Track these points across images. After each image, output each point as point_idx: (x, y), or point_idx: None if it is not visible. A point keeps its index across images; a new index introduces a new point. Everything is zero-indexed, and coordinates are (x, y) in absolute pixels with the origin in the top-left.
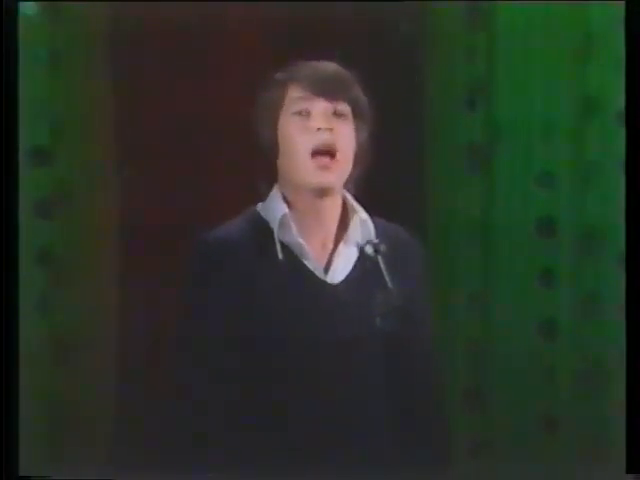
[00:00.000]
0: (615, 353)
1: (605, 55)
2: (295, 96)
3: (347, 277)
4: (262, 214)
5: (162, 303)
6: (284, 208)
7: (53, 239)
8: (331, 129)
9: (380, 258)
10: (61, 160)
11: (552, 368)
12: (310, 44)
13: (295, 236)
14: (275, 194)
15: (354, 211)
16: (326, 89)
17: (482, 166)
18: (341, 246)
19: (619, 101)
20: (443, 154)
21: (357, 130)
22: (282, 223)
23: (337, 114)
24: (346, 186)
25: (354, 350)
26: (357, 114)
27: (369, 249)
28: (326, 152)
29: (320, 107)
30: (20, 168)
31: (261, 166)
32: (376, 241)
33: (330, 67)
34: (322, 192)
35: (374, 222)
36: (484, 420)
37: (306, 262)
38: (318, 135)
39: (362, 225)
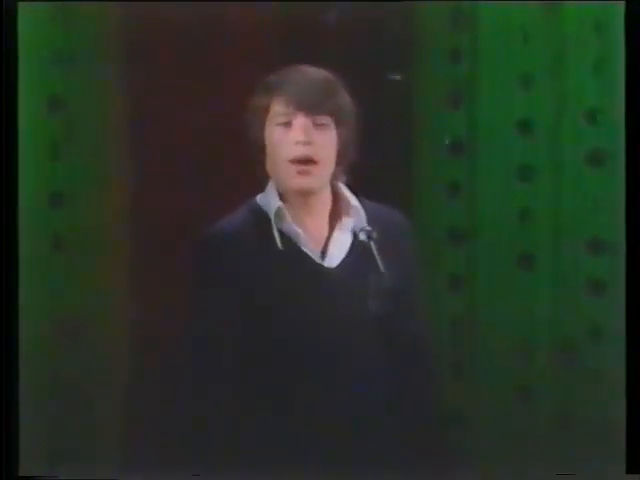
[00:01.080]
0: (586, 330)
1: (580, 55)
2: (278, 110)
3: (342, 261)
4: (261, 205)
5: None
6: (278, 201)
7: (67, 226)
8: (309, 142)
9: (372, 244)
10: (74, 154)
11: (529, 344)
12: (301, 45)
13: (291, 225)
14: (271, 187)
15: (346, 199)
16: (307, 104)
17: (465, 160)
18: (336, 233)
19: (592, 99)
20: (428, 149)
21: (339, 134)
22: (278, 214)
23: (317, 125)
24: (337, 177)
25: (351, 329)
26: (340, 120)
27: (362, 236)
28: (305, 161)
29: (300, 121)
30: (37, 162)
31: (256, 162)
32: (369, 228)
33: (314, 78)
34: (304, 193)
35: (366, 206)
36: (468, 390)
37: (304, 248)
38: (297, 148)
39: (354, 212)
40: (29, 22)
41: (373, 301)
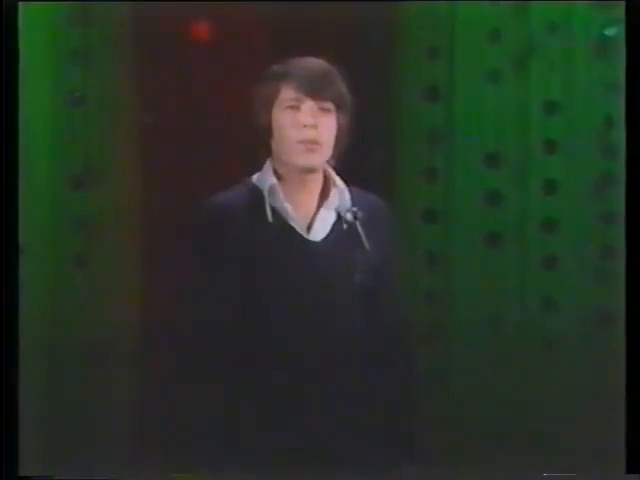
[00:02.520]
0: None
1: (544, 52)
2: (287, 95)
3: (326, 236)
4: (256, 183)
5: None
6: (273, 179)
7: (88, 209)
8: (316, 125)
9: (358, 223)
10: (92, 141)
11: (496, 315)
12: (299, 41)
13: (282, 201)
14: (267, 167)
15: (333, 182)
16: (314, 90)
17: (442, 147)
18: (322, 211)
19: (555, 93)
20: (409, 137)
21: (338, 119)
22: (271, 191)
23: (322, 109)
24: (328, 162)
25: (332, 295)
26: (339, 107)
27: (349, 215)
28: (311, 142)
29: (308, 105)
30: (54, 147)
31: (258, 144)
32: (355, 209)
33: (319, 68)
34: (308, 170)
35: (351, 190)
36: (442, 355)
37: (292, 223)
38: (305, 130)
39: (340, 194)
40: (50, 22)
41: (354, 271)
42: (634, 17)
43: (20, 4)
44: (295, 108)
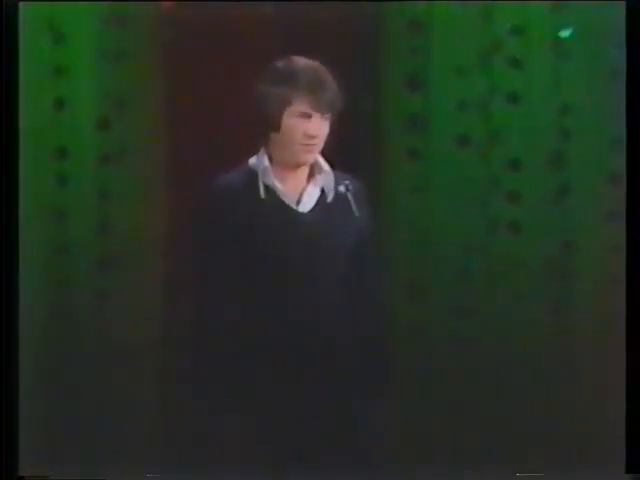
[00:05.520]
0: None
1: (507, 49)
2: (299, 108)
3: (313, 208)
4: (252, 166)
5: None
6: (266, 162)
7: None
8: (319, 135)
9: (349, 195)
10: (122, 125)
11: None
12: (297, 40)
13: (273, 180)
14: (262, 152)
15: (320, 165)
16: (321, 106)
17: (420, 131)
18: (309, 187)
19: (516, 84)
20: (392, 123)
21: (332, 120)
22: (264, 172)
23: (324, 118)
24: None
25: (319, 257)
26: (335, 112)
27: (342, 188)
28: (312, 145)
29: (316, 120)
30: (91, 130)
31: (258, 134)
32: (347, 182)
33: (321, 78)
34: (301, 164)
35: (335, 173)
36: (420, 309)
37: (283, 198)
38: (311, 140)
39: (325, 174)
40: (86, 23)
41: (337, 236)
42: (634, 17)
43: (20, 4)
44: (305, 118)
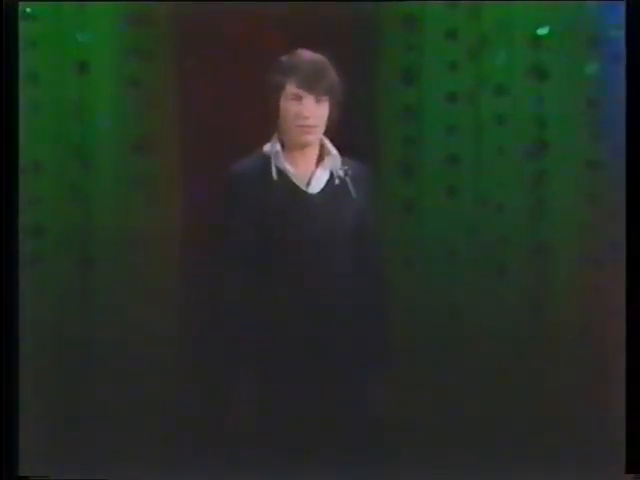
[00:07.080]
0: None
1: (493, 46)
2: (292, 91)
3: (322, 190)
4: (266, 151)
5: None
6: (278, 147)
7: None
8: (313, 114)
9: (348, 179)
10: (145, 116)
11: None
12: (298, 37)
13: (285, 163)
14: (275, 138)
15: (328, 149)
16: (313, 87)
17: (413, 122)
18: (318, 171)
19: (500, 77)
20: (387, 114)
21: (330, 105)
22: (276, 156)
23: (318, 101)
24: (324, 133)
25: (327, 234)
26: (332, 96)
27: (341, 172)
28: (308, 127)
29: (308, 100)
30: (121, 121)
31: (268, 121)
32: (346, 167)
33: (317, 66)
34: (304, 145)
35: (342, 157)
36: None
37: (294, 180)
38: (305, 121)
39: (333, 157)
40: (109, 23)
41: (343, 215)
42: (634, 17)
43: (20, 4)
44: (297, 100)
